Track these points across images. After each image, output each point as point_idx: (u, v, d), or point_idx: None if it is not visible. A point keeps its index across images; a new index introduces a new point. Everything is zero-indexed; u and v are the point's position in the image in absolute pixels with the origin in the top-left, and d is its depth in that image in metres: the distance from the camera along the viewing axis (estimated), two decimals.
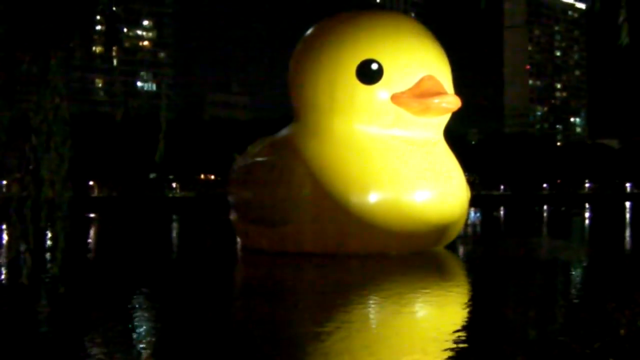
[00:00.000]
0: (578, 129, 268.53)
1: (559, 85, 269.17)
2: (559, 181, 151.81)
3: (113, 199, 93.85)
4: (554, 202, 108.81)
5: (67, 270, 10.11)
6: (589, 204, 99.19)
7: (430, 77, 21.29)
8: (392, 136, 21.33)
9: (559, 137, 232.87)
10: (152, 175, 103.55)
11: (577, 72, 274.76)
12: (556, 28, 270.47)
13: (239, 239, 25.83)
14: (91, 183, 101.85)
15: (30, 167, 9.04)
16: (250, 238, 23.97)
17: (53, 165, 8.93)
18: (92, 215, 59.87)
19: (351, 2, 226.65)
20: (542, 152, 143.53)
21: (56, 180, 8.99)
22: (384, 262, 20.38)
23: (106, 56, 10.19)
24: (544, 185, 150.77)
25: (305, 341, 10.63)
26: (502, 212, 68.06)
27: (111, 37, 10.39)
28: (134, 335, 10.94)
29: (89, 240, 31.81)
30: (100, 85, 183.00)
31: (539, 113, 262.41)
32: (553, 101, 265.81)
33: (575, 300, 14.62)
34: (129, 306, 13.56)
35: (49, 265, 17.65)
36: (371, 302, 14.29)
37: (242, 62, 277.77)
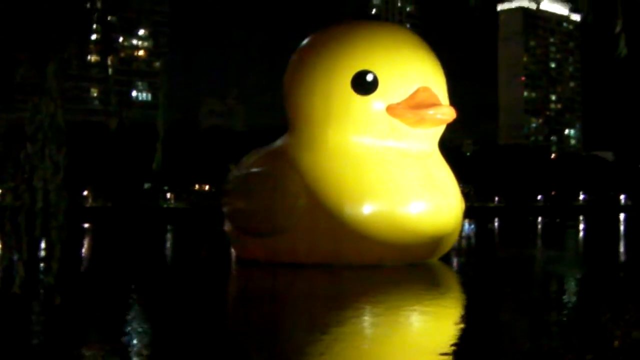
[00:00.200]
0: (573, 141, 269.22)
1: (553, 97, 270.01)
2: (553, 193, 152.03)
3: (107, 209, 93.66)
4: (549, 214, 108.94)
5: (62, 280, 10.06)
6: (583, 216, 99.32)
7: (425, 89, 21.31)
8: (387, 147, 21.32)
9: (553, 148, 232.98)
10: (146, 186, 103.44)
11: (572, 84, 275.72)
12: (551, 40, 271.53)
13: (233, 250, 25.78)
14: (85, 193, 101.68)
15: (25, 175, 9.01)
16: (245, 249, 23.92)
17: (48, 174, 8.90)
18: (86, 225, 59.72)
19: (346, 13, 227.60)
20: (537, 164, 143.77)
21: (51, 189, 8.96)
22: (378, 273, 20.36)
23: (102, 65, 10.18)
24: (539, 196, 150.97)
25: (298, 352, 10.60)
26: (496, 224, 68.09)
27: (107, 46, 10.39)
28: (128, 346, 10.89)
29: (83, 251, 31.71)
30: (95, 94, 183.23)
31: (533, 125, 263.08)
32: (548, 113, 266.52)
33: (570, 312, 14.61)
34: (123, 317, 13.52)
35: (42, 276, 17.61)
36: (365, 313, 14.26)
37: (238, 72, 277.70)
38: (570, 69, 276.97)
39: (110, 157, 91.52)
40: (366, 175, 20.93)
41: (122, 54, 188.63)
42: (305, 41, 23.83)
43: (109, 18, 9.89)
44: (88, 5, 9.83)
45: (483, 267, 24.20)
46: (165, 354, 10.40)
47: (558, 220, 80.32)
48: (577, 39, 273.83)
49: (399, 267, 21.17)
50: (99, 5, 9.72)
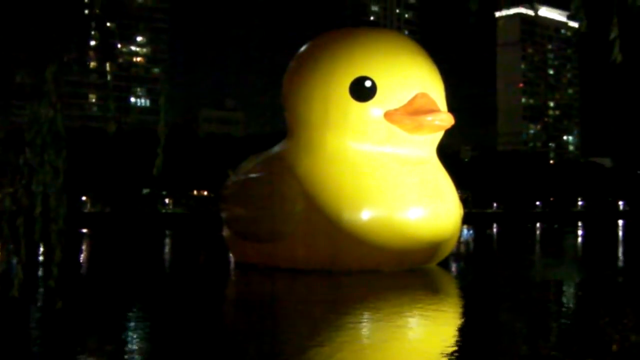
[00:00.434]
0: (571, 147, 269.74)
1: (551, 104, 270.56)
2: (551, 199, 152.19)
3: (105, 214, 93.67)
4: (547, 220, 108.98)
5: (62, 284, 10.07)
6: (582, 222, 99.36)
7: (423, 95, 21.34)
8: (385, 153, 21.35)
9: (551, 155, 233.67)
10: (145, 191, 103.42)
11: (570, 91, 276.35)
12: (549, 46, 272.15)
13: (231, 255, 25.79)
14: (84, 198, 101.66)
15: (24, 181, 9.03)
16: (243, 254, 23.94)
17: (47, 179, 8.92)
18: (84, 230, 59.71)
19: (345, 20, 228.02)
20: (535, 170, 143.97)
21: (51, 193, 8.98)
22: (376, 279, 20.37)
23: (100, 71, 10.20)
24: (537, 203, 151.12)
25: (297, 359, 10.62)
26: (494, 230, 68.10)
27: (106, 52, 10.42)
28: (127, 350, 10.91)
29: (82, 256, 31.69)
30: (93, 100, 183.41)
31: (531, 131, 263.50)
32: (546, 119, 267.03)
33: (568, 316, 14.62)
34: (122, 322, 13.53)
35: (41, 280, 17.65)
36: (364, 319, 14.28)
37: (237, 78, 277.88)
38: (569, 75, 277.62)
39: (109, 162, 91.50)
40: (364, 181, 20.95)
41: (121, 60, 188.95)
42: (303, 47, 23.88)
43: (107, 24, 9.92)
44: (87, 11, 9.86)
45: (481, 273, 24.21)
46: (165, 359, 10.42)
47: (556, 226, 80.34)
48: (575, 45, 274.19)
49: (398, 273, 21.18)
50: (97, 11, 9.74)
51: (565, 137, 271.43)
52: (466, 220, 28.25)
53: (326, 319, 14.12)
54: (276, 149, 23.90)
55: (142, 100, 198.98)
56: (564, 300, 17.65)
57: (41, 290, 16.55)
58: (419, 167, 21.63)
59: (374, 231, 20.55)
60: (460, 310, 15.98)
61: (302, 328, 13.34)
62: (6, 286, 9.25)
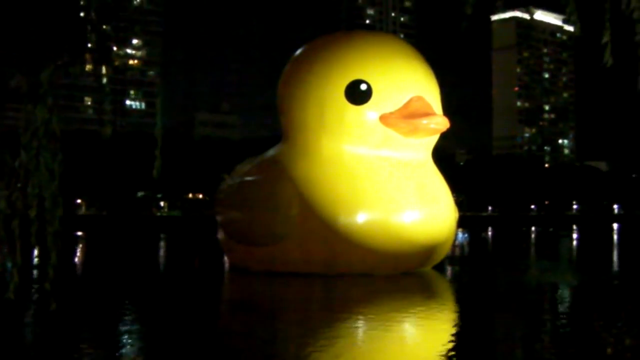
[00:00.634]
0: (566, 151, 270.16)
1: (547, 107, 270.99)
2: (547, 202, 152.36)
3: (100, 217, 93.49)
4: (542, 224, 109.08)
5: (57, 286, 10.07)
6: (577, 226, 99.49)
7: (419, 98, 21.35)
8: (380, 156, 21.35)
9: (547, 158, 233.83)
10: (140, 194, 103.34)
11: (565, 94, 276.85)
12: (545, 50, 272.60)
13: (226, 259, 25.77)
14: (78, 201, 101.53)
15: (19, 184, 9.03)
16: (238, 258, 23.92)
17: (43, 181, 8.92)
18: (79, 233, 59.61)
19: (340, 23, 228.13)
20: (530, 174, 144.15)
21: (46, 196, 8.98)
22: (371, 282, 20.36)
23: (96, 74, 10.19)
24: (532, 206, 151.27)
25: None
26: (489, 233, 68.16)
27: (101, 55, 10.42)
28: (120, 355, 10.90)
29: (77, 259, 31.65)
30: (89, 103, 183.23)
31: (527, 134, 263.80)
32: (541, 123, 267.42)
33: (563, 320, 14.65)
34: (117, 324, 13.52)
35: (36, 282, 17.60)
36: (358, 322, 14.26)
37: (233, 81, 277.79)
38: (564, 79, 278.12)
39: (104, 165, 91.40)
40: (360, 184, 20.95)
41: (116, 63, 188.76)
42: (299, 51, 23.87)
43: (103, 27, 9.93)
44: (82, 14, 9.87)
45: (476, 276, 24.22)
46: None
47: (551, 229, 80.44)
48: (571, 49, 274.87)
49: (393, 276, 21.18)
50: (93, 14, 9.75)
51: (560, 141, 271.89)
52: (461, 223, 28.27)
53: (321, 322, 14.11)
54: (271, 152, 23.87)
55: (137, 103, 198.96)
56: (559, 303, 17.67)
57: (36, 292, 16.51)
58: (414, 170, 21.63)
59: (370, 234, 20.55)
60: (455, 314, 15.98)
61: (296, 332, 13.33)
62: (1, 289, 9.25)
